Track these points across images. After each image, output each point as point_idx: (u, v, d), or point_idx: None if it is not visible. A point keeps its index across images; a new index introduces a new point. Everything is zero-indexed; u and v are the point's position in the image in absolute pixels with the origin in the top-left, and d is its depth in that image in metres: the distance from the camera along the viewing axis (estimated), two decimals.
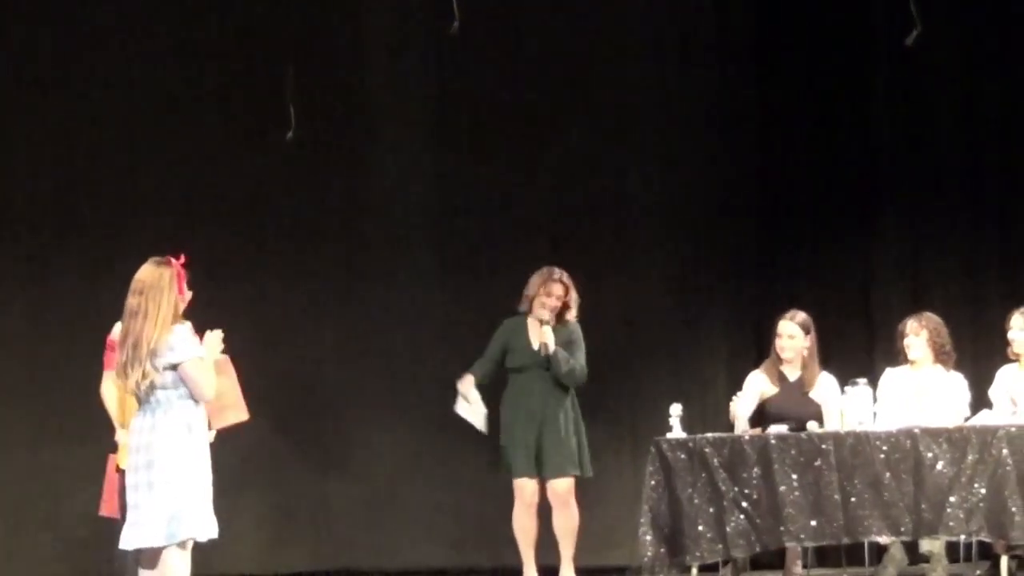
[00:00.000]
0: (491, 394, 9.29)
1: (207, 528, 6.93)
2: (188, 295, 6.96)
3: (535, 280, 9.24)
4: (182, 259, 6.93)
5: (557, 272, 9.22)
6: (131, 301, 6.88)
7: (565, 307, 9.21)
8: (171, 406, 6.87)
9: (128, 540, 6.91)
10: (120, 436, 7.63)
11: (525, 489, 9.13)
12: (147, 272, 6.92)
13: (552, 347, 9.09)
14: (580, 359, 9.19)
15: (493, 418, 9.23)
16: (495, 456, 9.32)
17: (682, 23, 11.17)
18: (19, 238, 10.74)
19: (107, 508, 7.79)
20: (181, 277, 6.93)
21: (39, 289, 10.70)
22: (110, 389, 7.67)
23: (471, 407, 9.19)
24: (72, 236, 10.73)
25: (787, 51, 11.12)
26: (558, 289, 9.18)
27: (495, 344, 9.31)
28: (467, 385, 9.18)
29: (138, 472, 6.89)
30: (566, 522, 9.13)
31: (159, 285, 6.86)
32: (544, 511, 9.21)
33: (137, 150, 10.81)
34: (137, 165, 10.80)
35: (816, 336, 9.55)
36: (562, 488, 9.11)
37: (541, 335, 9.13)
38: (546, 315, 9.15)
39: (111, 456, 7.72)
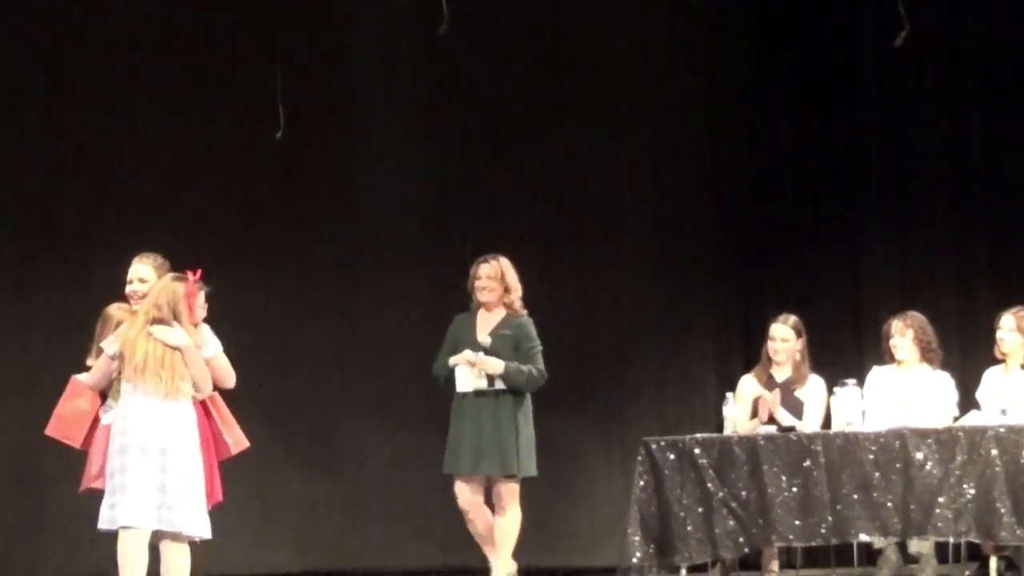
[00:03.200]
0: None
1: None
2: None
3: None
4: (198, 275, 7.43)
5: (485, 256, 8.82)
6: (159, 314, 7.28)
7: (506, 291, 8.75)
8: (188, 401, 7.20)
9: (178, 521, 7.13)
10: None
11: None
12: (167, 285, 7.40)
13: (500, 369, 8.56)
14: (536, 360, 8.66)
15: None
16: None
17: (671, 25, 11.19)
18: (6, 240, 10.72)
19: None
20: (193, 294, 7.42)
21: (28, 290, 10.68)
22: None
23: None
24: (60, 237, 10.70)
25: (775, 53, 11.15)
26: (482, 269, 8.75)
27: (448, 341, 8.87)
28: (462, 356, 8.63)
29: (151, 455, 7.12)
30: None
31: (175, 289, 7.38)
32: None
33: (125, 151, 10.79)
34: (125, 166, 10.78)
35: (806, 338, 9.57)
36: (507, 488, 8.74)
37: (484, 366, 8.57)
38: (487, 297, 8.69)
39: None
